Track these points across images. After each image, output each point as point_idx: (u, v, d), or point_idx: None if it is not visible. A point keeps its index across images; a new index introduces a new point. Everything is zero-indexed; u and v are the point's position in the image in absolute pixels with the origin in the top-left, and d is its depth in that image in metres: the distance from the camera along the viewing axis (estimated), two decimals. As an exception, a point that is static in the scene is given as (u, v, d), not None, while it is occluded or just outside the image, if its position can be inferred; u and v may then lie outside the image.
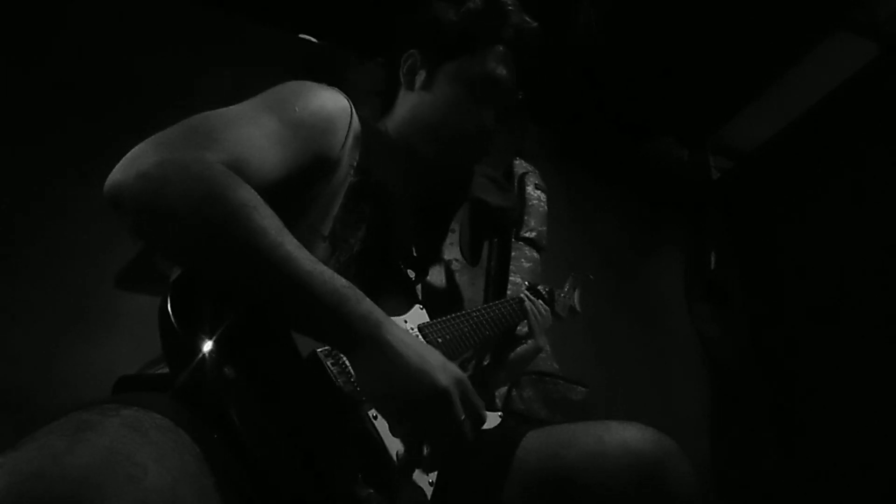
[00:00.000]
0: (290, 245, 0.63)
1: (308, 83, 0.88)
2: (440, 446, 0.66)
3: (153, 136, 0.67)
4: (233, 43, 2.09)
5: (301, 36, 2.26)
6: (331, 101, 0.88)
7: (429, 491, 0.70)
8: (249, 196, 0.64)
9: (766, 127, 2.69)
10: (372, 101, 1.16)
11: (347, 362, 0.71)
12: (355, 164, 0.90)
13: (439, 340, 0.91)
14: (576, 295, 1.42)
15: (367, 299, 0.67)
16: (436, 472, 0.72)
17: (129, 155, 0.65)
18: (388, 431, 0.70)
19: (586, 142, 2.75)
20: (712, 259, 2.73)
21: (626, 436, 0.77)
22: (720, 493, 2.24)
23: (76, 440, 0.46)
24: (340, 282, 0.65)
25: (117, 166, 0.64)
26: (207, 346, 0.59)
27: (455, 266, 1.22)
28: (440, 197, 1.10)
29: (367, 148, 0.93)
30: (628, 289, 2.59)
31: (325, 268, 0.65)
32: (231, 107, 0.78)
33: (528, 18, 1.05)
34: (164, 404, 0.57)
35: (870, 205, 2.22)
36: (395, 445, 0.69)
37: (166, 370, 0.77)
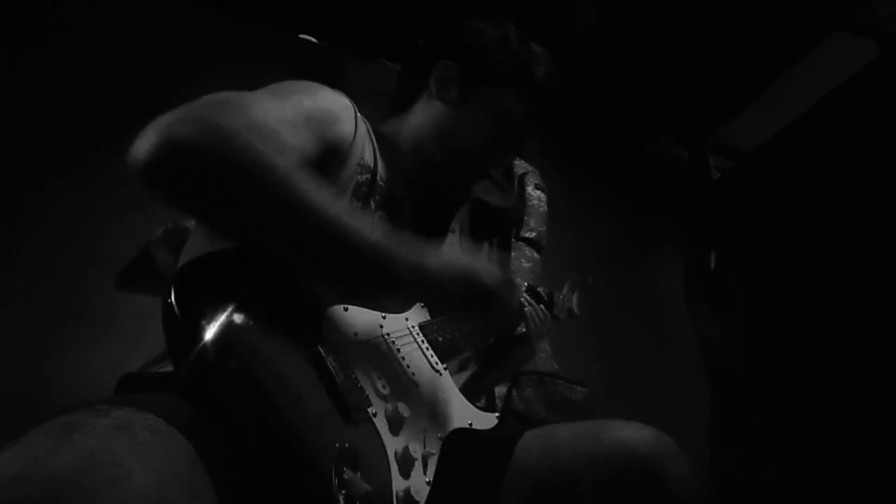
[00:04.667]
0: (341, 207, 0.68)
1: (312, 83, 0.89)
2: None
3: (181, 108, 0.64)
4: (233, 43, 2.09)
5: (301, 36, 2.26)
6: (336, 100, 0.89)
7: (427, 490, 0.70)
8: (292, 161, 0.67)
9: (766, 127, 2.69)
10: (372, 100, 1.16)
11: (350, 360, 0.71)
12: (362, 162, 0.91)
13: (440, 339, 0.91)
14: (574, 298, 1.42)
15: (407, 239, 0.73)
16: (433, 472, 0.73)
17: (167, 120, 0.62)
18: (388, 431, 0.70)
19: (586, 142, 2.75)
20: (712, 259, 2.73)
21: (624, 435, 0.77)
22: (720, 493, 2.24)
23: (61, 442, 0.46)
24: (383, 230, 0.71)
25: (158, 130, 0.61)
26: (210, 337, 0.59)
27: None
28: (441, 197, 1.11)
29: (372, 147, 0.94)
30: (628, 289, 2.59)
31: (368, 218, 0.73)
32: (244, 92, 0.77)
33: (553, 67, 1.08)
34: (159, 404, 0.57)
35: (870, 204, 2.22)
36: (393, 444, 0.70)
37: (169, 368, 0.77)
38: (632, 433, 0.77)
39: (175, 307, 0.60)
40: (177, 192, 0.63)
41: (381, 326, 0.82)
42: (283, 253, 0.68)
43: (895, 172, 2.15)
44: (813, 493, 2.11)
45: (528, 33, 1.07)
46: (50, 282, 1.56)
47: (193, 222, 0.84)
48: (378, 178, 0.93)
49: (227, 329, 0.61)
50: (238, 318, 0.62)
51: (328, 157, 0.85)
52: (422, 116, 1.05)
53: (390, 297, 0.85)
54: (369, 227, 0.69)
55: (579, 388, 2.00)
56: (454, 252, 0.80)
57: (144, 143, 0.61)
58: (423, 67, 1.06)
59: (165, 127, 0.61)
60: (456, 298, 0.78)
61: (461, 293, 0.77)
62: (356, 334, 0.76)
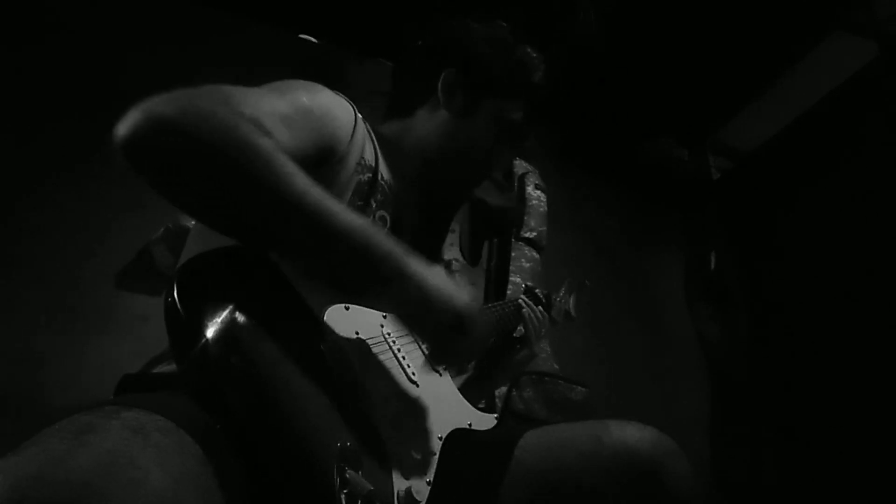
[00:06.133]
0: (319, 191, 0.65)
1: (314, 83, 0.89)
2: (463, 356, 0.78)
3: (174, 92, 0.64)
4: (233, 43, 2.09)
5: (301, 36, 2.26)
6: (335, 100, 0.90)
7: (428, 490, 0.70)
8: (275, 144, 0.65)
9: (766, 127, 2.69)
10: (372, 100, 1.17)
11: (351, 359, 0.71)
12: (362, 161, 0.91)
13: (438, 340, 0.91)
14: (571, 300, 1.43)
15: (389, 237, 0.69)
16: (434, 472, 0.73)
17: (154, 101, 0.62)
18: (389, 430, 0.70)
19: (586, 142, 2.75)
20: (712, 259, 2.73)
21: (624, 435, 0.77)
22: (719, 493, 2.24)
23: (77, 443, 0.46)
24: (364, 223, 0.67)
25: (141, 108, 0.62)
26: (212, 335, 0.59)
27: (455, 266, 1.23)
28: (443, 198, 1.11)
29: (373, 147, 0.95)
30: (628, 289, 2.59)
31: (350, 211, 0.66)
32: (244, 87, 0.76)
33: (545, 70, 1.12)
34: (165, 405, 0.57)
35: (870, 204, 2.22)
36: (395, 443, 0.69)
37: (170, 368, 0.77)
38: (632, 434, 0.77)
39: (177, 305, 0.60)
40: (156, 168, 0.62)
41: (382, 326, 0.82)
42: (263, 240, 0.67)
43: (895, 172, 2.15)
44: (813, 493, 2.11)
45: (524, 34, 1.10)
46: (50, 282, 1.56)
47: (183, 212, 0.79)
48: (379, 177, 0.93)
49: (230, 327, 0.61)
50: (240, 315, 0.62)
51: (325, 155, 0.84)
52: (428, 124, 1.06)
53: (368, 291, 0.77)
54: (350, 212, 0.66)
55: (579, 388, 2.00)
56: (440, 274, 0.73)
57: (127, 121, 0.62)
58: (426, 73, 1.07)
59: (148, 105, 0.62)
60: (416, 310, 0.70)
61: (425, 308, 0.70)
62: (357, 333, 0.76)
